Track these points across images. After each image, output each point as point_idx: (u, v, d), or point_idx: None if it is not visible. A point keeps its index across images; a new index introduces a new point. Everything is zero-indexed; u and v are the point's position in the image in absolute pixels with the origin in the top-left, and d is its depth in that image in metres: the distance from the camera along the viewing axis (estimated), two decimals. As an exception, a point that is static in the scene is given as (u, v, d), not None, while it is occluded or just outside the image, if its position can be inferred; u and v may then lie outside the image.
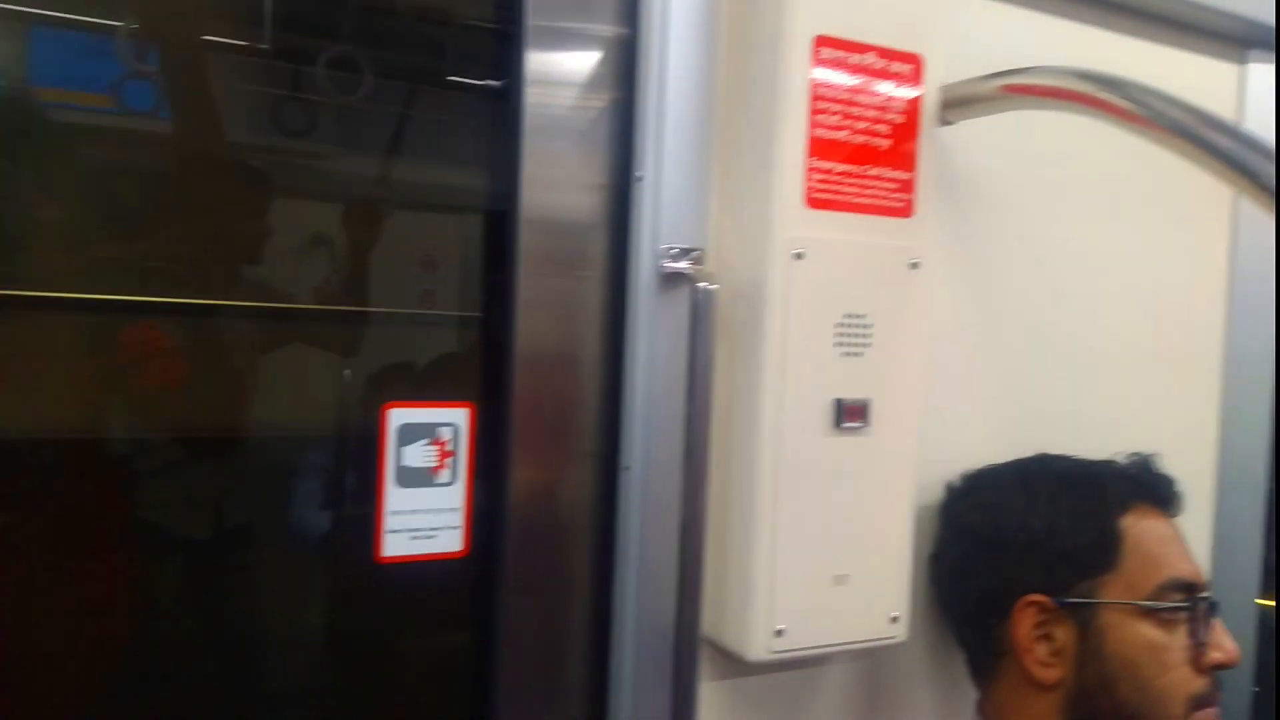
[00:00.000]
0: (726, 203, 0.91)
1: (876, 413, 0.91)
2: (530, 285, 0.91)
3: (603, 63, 0.92)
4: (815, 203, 0.88)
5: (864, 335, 0.90)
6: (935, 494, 1.03)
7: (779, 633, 0.90)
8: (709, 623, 0.91)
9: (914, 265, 0.93)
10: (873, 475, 0.92)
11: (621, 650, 0.92)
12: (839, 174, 0.89)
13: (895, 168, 0.91)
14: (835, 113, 0.88)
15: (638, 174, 0.90)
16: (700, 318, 0.85)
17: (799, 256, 0.87)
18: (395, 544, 0.88)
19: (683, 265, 0.89)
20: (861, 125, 0.89)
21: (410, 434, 0.89)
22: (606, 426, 0.93)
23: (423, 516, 0.89)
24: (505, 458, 0.90)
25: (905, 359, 0.93)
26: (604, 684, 0.94)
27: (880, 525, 0.93)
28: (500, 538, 0.90)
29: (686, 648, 0.87)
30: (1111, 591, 0.93)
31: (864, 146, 0.90)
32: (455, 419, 0.91)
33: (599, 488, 0.93)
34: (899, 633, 0.95)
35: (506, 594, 0.91)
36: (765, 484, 0.87)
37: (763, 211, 0.87)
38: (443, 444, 0.90)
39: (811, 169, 0.88)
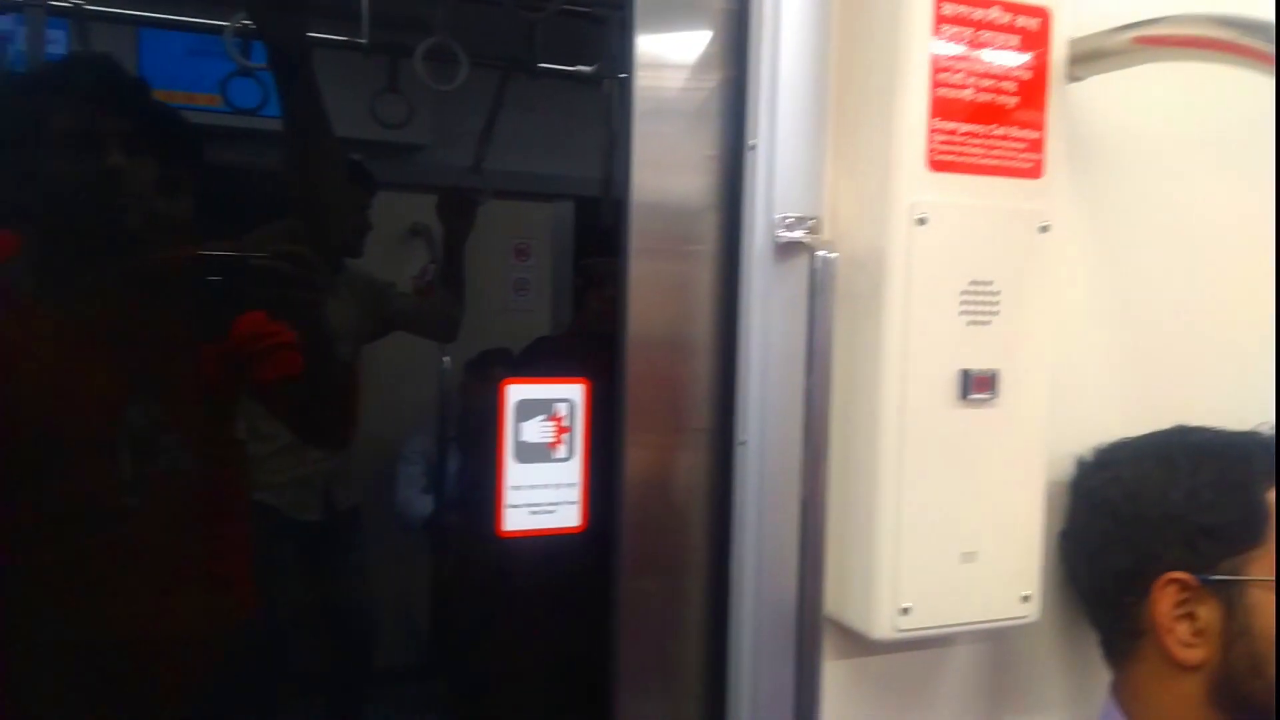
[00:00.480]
0: (843, 168, 0.89)
1: (1005, 383, 0.87)
2: (641, 261, 0.90)
3: (711, 32, 0.90)
4: (938, 165, 0.84)
5: (991, 303, 0.86)
6: (1065, 468, 0.99)
7: (905, 611, 0.87)
8: (831, 601, 0.89)
9: (1043, 229, 0.88)
10: (1001, 448, 0.89)
11: (740, 628, 0.90)
12: (963, 134, 0.85)
13: (1023, 126, 0.87)
14: (958, 70, 0.84)
15: (750, 142, 0.88)
16: (819, 287, 0.82)
17: (922, 222, 0.84)
18: (515, 518, 0.89)
19: (798, 234, 0.86)
20: (986, 83, 0.85)
21: (528, 410, 0.89)
22: (721, 401, 0.92)
23: (541, 491, 0.89)
24: (620, 433, 0.89)
25: (1034, 327, 0.89)
26: (723, 662, 0.93)
27: (1010, 500, 0.90)
28: (616, 513, 0.90)
29: (810, 626, 0.85)
30: (1259, 568, 0.88)
31: (989, 105, 0.86)
32: (571, 394, 0.90)
33: (715, 463, 0.92)
34: (1030, 612, 0.92)
35: (623, 569, 0.90)
36: (889, 458, 0.85)
37: (882, 176, 0.84)
38: (559, 419, 0.90)
39: (934, 130, 0.84)
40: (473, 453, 1.82)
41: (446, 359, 1.98)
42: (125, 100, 1.15)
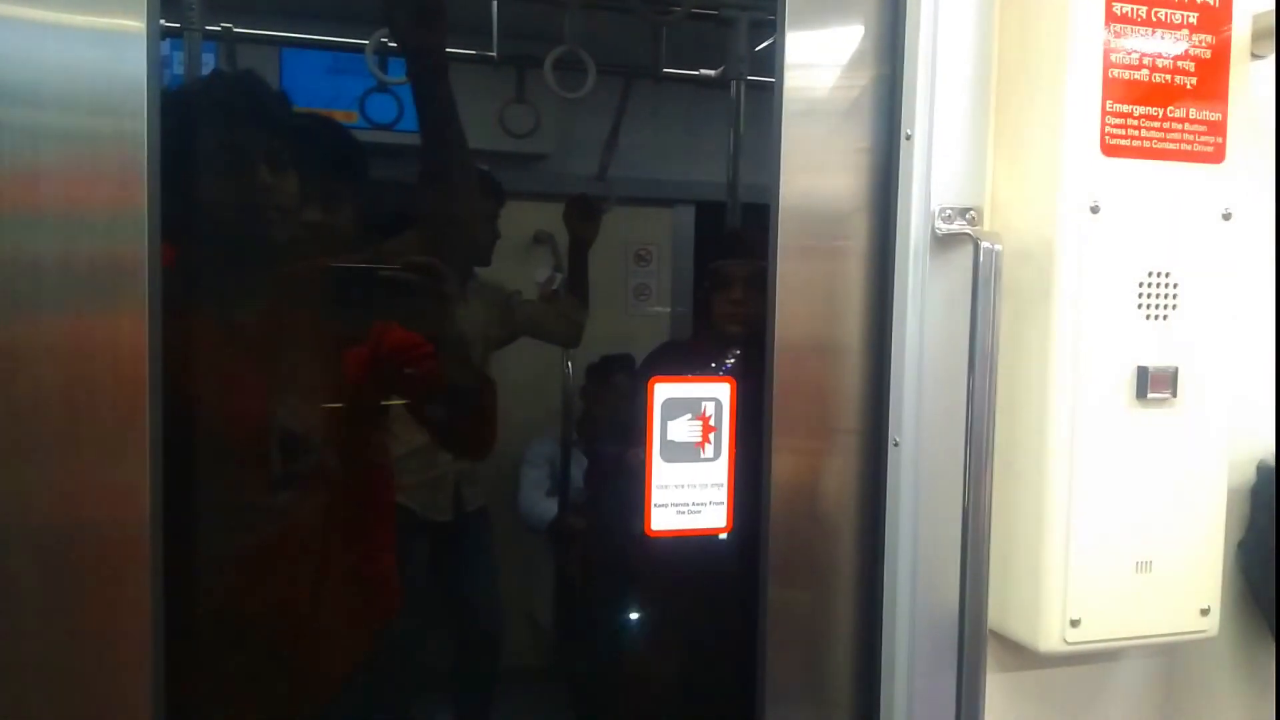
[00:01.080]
0: (1007, 156, 0.85)
1: (1185, 381, 0.82)
2: (789, 260, 0.88)
3: (863, 28, 0.88)
4: (1112, 150, 0.80)
5: (1170, 295, 0.81)
6: (1246, 474, 0.92)
7: (1075, 623, 0.82)
8: (993, 611, 0.84)
9: (1226, 216, 0.82)
10: (1180, 451, 0.83)
11: (894, 637, 0.87)
12: (1139, 117, 0.80)
13: (1203, 108, 0.82)
14: (1133, 50, 0.80)
15: (906, 133, 0.85)
16: (982, 281, 0.79)
17: (1095, 210, 0.79)
18: (663, 518, 0.88)
19: (959, 226, 0.83)
20: (1163, 62, 0.80)
21: (674, 409, 0.88)
22: (872, 402, 0.89)
23: (688, 491, 0.88)
24: (766, 434, 0.87)
25: (1216, 321, 0.83)
26: (873, 671, 0.90)
27: (1189, 507, 0.84)
28: (764, 514, 0.88)
29: (973, 637, 0.81)
30: None
31: (1167, 86, 0.81)
32: (717, 393, 0.89)
33: (865, 466, 0.89)
34: (1209, 626, 0.85)
35: (770, 570, 0.88)
36: (1060, 461, 0.80)
37: (1051, 162, 0.80)
38: (706, 418, 0.88)
39: (1108, 112, 0.80)
40: (593, 456, 1.82)
41: (570, 364, 1.99)
42: (270, 114, 1.19)
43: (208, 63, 1.74)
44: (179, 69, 1.63)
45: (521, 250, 1.99)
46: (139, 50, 0.70)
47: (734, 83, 1.68)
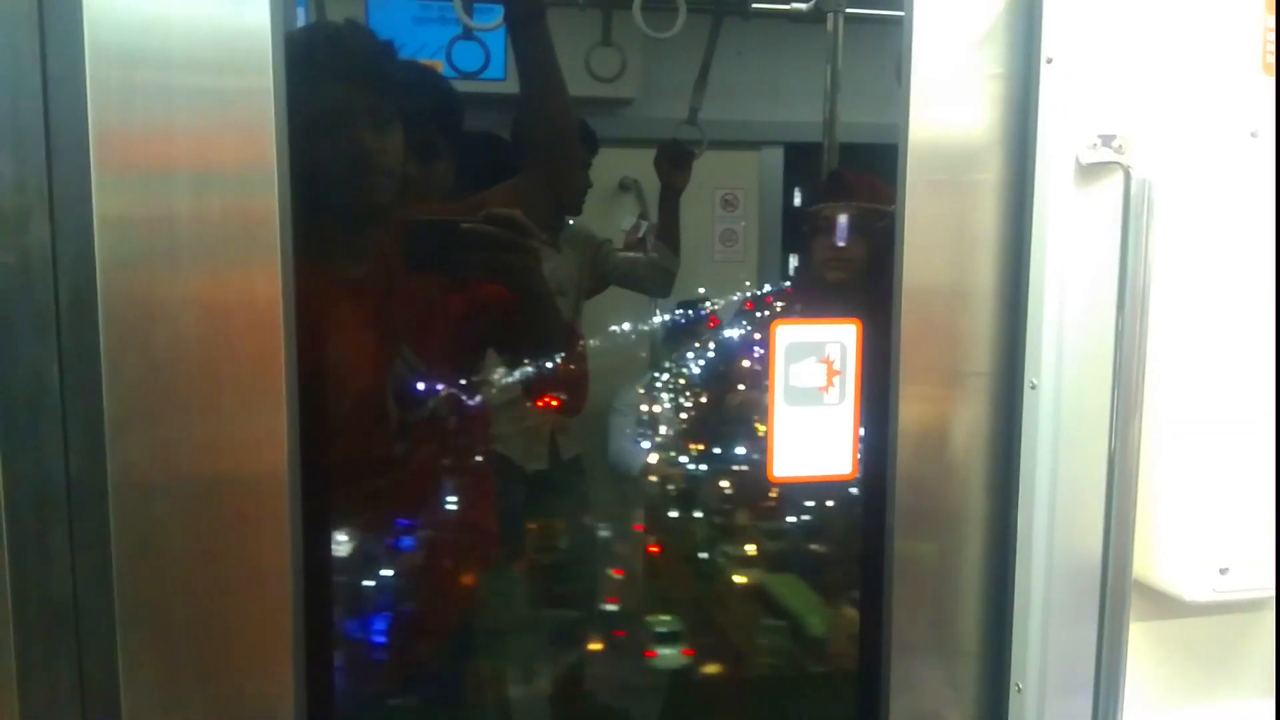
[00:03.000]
0: (1156, 79, 0.79)
1: (1352, 317, 0.77)
2: (918, 197, 0.84)
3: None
4: (1273, 70, 0.74)
5: (1339, 225, 0.76)
6: None
7: (1223, 571, 0.79)
8: (1135, 558, 0.81)
9: (1404, 136, 0.76)
10: (1345, 392, 0.78)
11: (1028, 585, 0.84)
12: (1310, 31, 0.74)
13: (1381, 17, 0.75)
14: (1304, -44, 0.73)
15: (1047, 56, 0.80)
16: (1133, 212, 0.74)
17: (1255, 135, 0.74)
18: (786, 463, 0.86)
19: (1105, 154, 0.78)
20: (1338, -31, 0.74)
21: (798, 352, 0.85)
22: (1006, 343, 0.85)
23: (812, 436, 0.86)
24: (894, 379, 0.84)
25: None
26: (1004, 621, 0.87)
27: (1352, 451, 0.79)
28: (890, 460, 0.85)
29: (1117, 587, 0.78)
30: None
31: (1341, -5, 0.74)
32: (842, 336, 0.86)
33: (998, 410, 0.86)
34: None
35: (896, 517, 0.86)
36: (1212, 402, 0.76)
37: (1206, 84, 0.75)
38: (830, 362, 0.86)
39: (1270, 28, 0.74)
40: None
41: (657, 312, 1.98)
42: (378, 66, 1.18)
43: (298, 18, 1.74)
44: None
45: (608, 198, 1.97)
46: (262, 5, 0.69)
47: (831, 15, 1.61)
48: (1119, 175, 0.76)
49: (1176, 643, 0.87)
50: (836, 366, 0.86)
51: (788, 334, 0.86)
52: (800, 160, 2.05)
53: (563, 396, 1.46)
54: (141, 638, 0.73)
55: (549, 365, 1.37)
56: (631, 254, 1.86)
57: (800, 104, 1.91)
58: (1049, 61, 0.80)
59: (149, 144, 0.67)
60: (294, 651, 0.75)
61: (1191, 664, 0.88)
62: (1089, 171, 0.79)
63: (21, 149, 0.68)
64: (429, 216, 1.25)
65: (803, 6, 1.72)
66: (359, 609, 0.98)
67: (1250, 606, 0.87)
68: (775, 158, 2.13)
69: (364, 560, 0.99)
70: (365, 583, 0.99)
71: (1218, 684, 0.88)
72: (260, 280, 0.71)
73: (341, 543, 0.94)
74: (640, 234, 1.92)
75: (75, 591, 0.72)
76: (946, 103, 0.82)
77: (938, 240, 0.84)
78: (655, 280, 1.76)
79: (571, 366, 1.40)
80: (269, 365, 0.72)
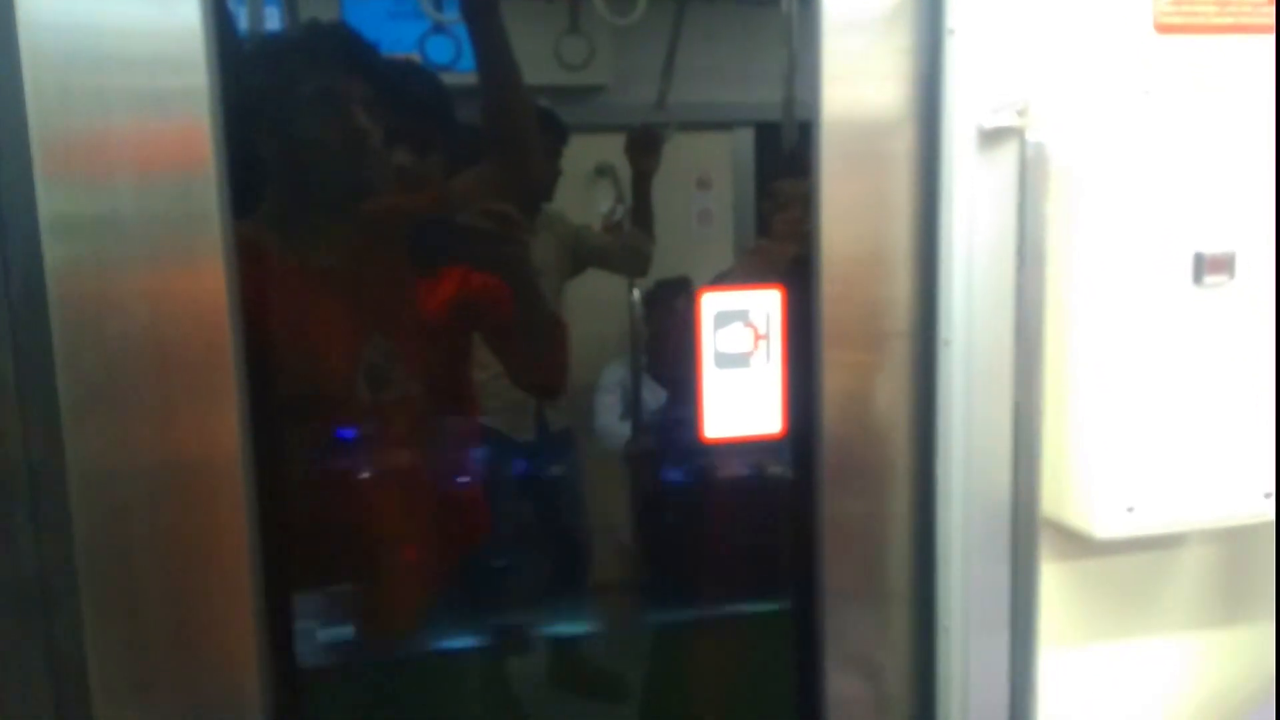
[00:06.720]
0: (1055, 44, 0.83)
1: (1242, 266, 0.80)
2: (834, 160, 0.88)
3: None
4: (1166, 28, 0.77)
5: (1226, 180, 0.79)
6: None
7: (1130, 510, 0.83)
8: (1048, 501, 0.85)
9: (1287, 92, 0.79)
10: (1238, 335, 0.82)
11: (949, 530, 0.89)
12: (1191, -8, 0.77)
13: (1261, -23, 0.78)
14: (1183, -78, 0.77)
15: (950, 28, 0.83)
16: (1029, 174, 0.78)
17: (1148, 93, 0.78)
18: (716, 424, 0.91)
19: (1005, 119, 0.82)
20: (1217, -68, 0.77)
21: (725, 318, 0.90)
22: (921, 301, 0.89)
23: (740, 397, 0.91)
24: (816, 339, 0.89)
25: (1273, 204, 0.81)
26: (930, 565, 0.92)
27: (1249, 391, 0.83)
28: (816, 417, 0.90)
29: (1025, 527, 0.83)
30: None
31: (1221, -43, 0.77)
32: (766, 302, 0.91)
33: (916, 366, 0.90)
34: (1273, 511, 0.85)
35: (825, 474, 0.90)
36: (1115, 349, 0.80)
37: (1102, 47, 0.78)
38: (754, 326, 0.90)
39: (1159, -11, 0.77)
40: (660, 378, 1.87)
41: (636, 292, 2.02)
42: (361, 62, 1.23)
43: (270, 14, 1.78)
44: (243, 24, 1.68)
45: (583, 183, 2.01)
46: (192, 4, 0.73)
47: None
48: (1018, 140, 0.80)
49: (1094, 581, 0.92)
50: (762, 331, 0.91)
51: (714, 301, 0.90)
52: (771, 140, 2.08)
53: (539, 384, 1.52)
54: (107, 615, 0.78)
55: (527, 354, 1.43)
56: (607, 237, 1.91)
57: (769, 86, 1.94)
58: (952, 33, 0.83)
59: (89, 146, 0.72)
60: (255, 622, 0.80)
61: (1109, 601, 0.93)
62: (990, 137, 0.83)
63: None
64: (414, 208, 1.30)
65: (763, -11, 1.75)
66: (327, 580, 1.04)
67: (1163, 543, 0.92)
68: (747, 138, 2.16)
69: (336, 535, 1.05)
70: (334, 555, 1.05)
71: (1134, 620, 0.93)
72: (205, 273, 0.76)
73: (307, 521, 1.00)
74: (616, 218, 1.96)
75: (42, 572, 0.77)
76: (857, 77, 0.86)
77: (854, 211, 0.88)
78: (631, 261, 1.81)
79: (549, 358, 1.45)
80: (217, 354, 0.77)
